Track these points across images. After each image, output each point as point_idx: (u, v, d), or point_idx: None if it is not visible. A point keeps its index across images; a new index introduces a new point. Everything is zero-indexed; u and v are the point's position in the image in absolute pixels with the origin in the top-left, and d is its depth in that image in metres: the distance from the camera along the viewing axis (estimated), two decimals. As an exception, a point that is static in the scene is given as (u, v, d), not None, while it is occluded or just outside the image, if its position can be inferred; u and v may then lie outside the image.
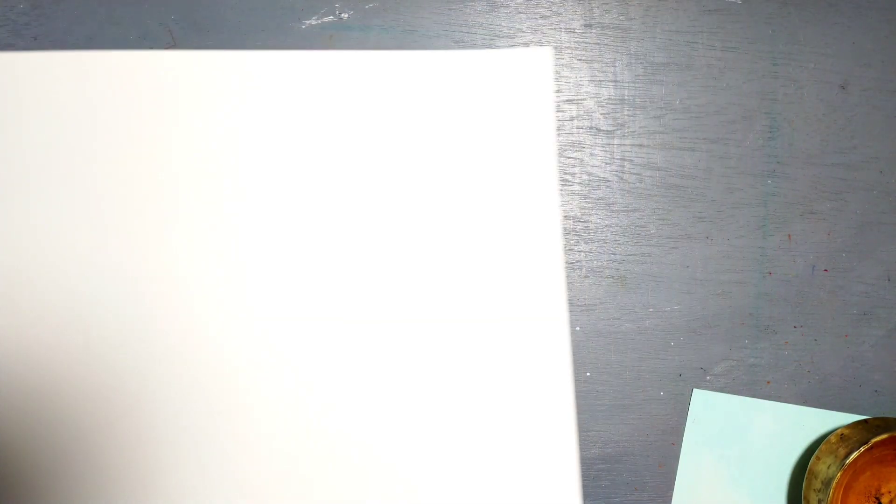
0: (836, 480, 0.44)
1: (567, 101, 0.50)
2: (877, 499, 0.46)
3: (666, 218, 0.50)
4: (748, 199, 0.50)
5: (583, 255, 0.50)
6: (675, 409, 0.50)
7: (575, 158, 0.50)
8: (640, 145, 0.50)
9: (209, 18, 0.50)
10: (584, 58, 0.50)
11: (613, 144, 0.50)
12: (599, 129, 0.50)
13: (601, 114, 0.50)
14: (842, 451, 0.45)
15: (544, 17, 0.50)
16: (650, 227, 0.50)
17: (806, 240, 0.50)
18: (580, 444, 0.50)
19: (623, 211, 0.50)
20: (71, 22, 0.50)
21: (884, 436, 0.44)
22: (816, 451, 0.46)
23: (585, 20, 0.50)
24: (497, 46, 0.50)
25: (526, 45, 0.50)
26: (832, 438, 0.46)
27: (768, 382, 0.50)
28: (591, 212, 0.50)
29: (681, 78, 0.50)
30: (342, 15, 0.50)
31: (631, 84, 0.50)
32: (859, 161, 0.50)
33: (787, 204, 0.50)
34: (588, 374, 0.50)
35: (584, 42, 0.50)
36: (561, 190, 0.50)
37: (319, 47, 0.50)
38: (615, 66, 0.50)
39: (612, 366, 0.50)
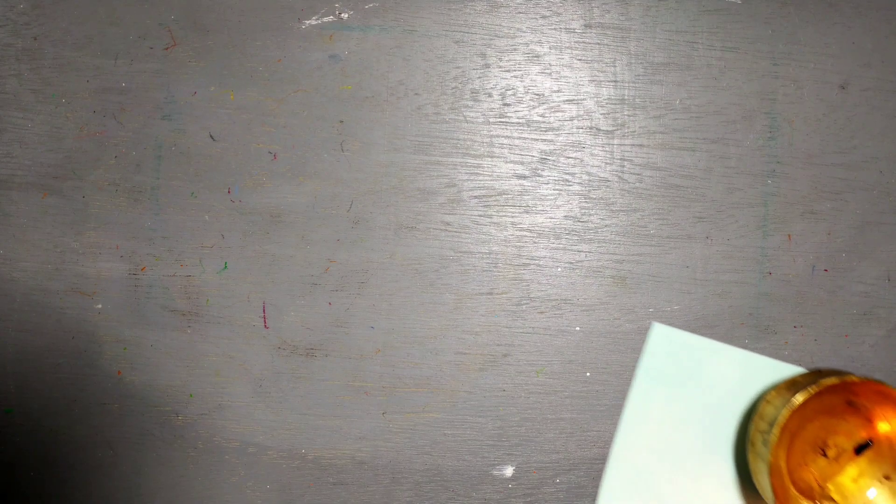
0: (781, 418, 0.42)
1: (567, 101, 0.50)
2: (822, 450, 0.46)
3: (666, 218, 0.50)
4: (748, 199, 0.50)
5: (583, 255, 0.50)
6: (675, 409, 0.50)
7: (575, 158, 0.50)
8: (640, 145, 0.50)
9: (209, 18, 0.50)
10: (584, 58, 0.50)
11: (613, 144, 0.50)
12: (599, 129, 0.50)
13: (601, 114, 0.50)
14: (790, 396, 0.43)
15: (544, 17, 0.50)
16: (650, 227, 0.50)
17: (806, 240, 0.50)
18: (580, 444, 0.49)
19: (623, 211, 0.50)
20: (71, 22, 0.50)
21: (834, 379, 0.42)
22: (766, 395, 0.45)
23: (585, 20, 0.50)
24: (497, 46, 0.50)
25: (526, 44, 0.50)
26: (783, 384, 0.45)
27: (768, 382, 0.50)
28: (591, 212, 0.50)
29: (681, 78, 0.50)
30: (342, 15, 0.50)
31: (631, 84, 0.50)
32: (859, 161, 0.50)
33: (787, 204, 0.50)
34: (588, 374, 0.50)
35: (584, 42, 0.50)
36: (561, 190, 0.50)
37: (319, 47, 0.50)
38: (615, 66, 0.50)
39: (612, 366, 0.50)
